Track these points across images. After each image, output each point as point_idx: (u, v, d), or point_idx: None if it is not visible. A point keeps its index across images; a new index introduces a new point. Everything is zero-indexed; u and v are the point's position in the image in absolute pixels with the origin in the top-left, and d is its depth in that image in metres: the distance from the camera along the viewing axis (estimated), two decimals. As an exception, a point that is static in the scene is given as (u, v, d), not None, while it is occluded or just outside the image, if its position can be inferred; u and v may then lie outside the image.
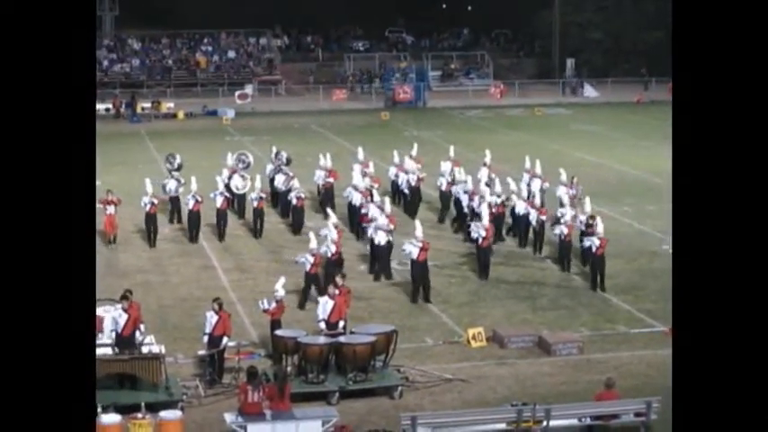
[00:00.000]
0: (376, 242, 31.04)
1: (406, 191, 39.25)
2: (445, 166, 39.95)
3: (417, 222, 30.88)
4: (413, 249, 29.00)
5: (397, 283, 30.42)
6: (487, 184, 36.43)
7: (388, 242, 30.94)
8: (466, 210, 35.38)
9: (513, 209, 35.56)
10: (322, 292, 28.00)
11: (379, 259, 31.15)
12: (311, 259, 28.30)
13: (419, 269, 29.04)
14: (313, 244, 28.74)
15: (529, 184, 37.62)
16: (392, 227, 31.23)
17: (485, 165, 40.00)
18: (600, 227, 29.91)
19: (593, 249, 29.78)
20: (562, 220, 31.70)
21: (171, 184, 37.39)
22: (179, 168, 39.06)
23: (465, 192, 35.81)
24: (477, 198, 34.54)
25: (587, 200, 33.20)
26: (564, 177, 36.66)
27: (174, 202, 37.72)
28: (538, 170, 38.38)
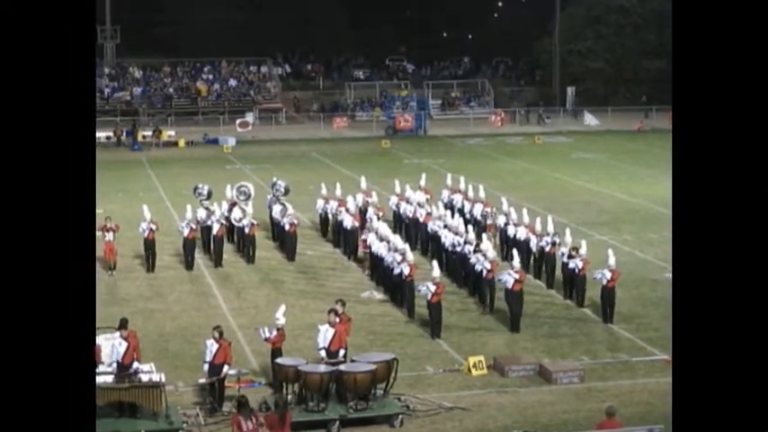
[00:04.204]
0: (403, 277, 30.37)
1: (407, 221, 39.09)
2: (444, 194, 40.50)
3: (435, 263, 29.86)
4: (509, 279, 28.80)
5: (397, 312, 30.30)
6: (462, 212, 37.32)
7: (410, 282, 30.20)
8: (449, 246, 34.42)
9: (505, 233, 35.76)
10: (438, 326, 28.26)
11: (403, 296, 30.61)
12: (433, 288, 28.06)
13: (515, 299, 28.85)
14: (435, 272, 28.53)
15: (471, 211, 38.27)
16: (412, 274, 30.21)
17: (459, 191, 40.26)
18: (612, 259, 29.64)
19: (605, 282, 29.51)
20: (574, 255, 31.12)
21: (201, 214, 37.27)
22: (209, 197, 38.85)
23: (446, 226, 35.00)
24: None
25: (567, 231, 32.92)
26: (506, 206, 36.63)
27: (205, 230, 37.47)
28: (482, 195, 38.93)
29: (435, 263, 29.66)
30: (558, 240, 32.76)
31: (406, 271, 29.81)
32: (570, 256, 31.12)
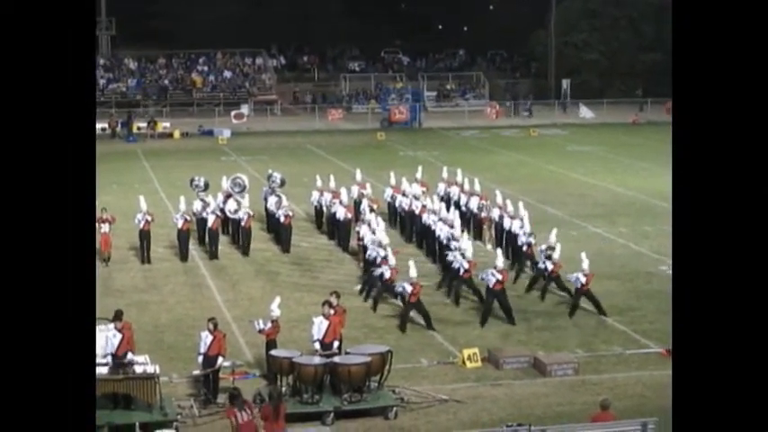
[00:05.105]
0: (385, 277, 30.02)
1: (403, 214, 38.94)
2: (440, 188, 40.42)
3: (411, 263, 29.18)
4: (491, 279, 28.48)
5: (392, 303, 30.28)
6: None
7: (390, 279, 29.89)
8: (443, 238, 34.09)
9: (501, 226, 35.53)
10: (428, 320, 28.19)
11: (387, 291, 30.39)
12: (409, 289, 27.90)
13: (494, 297, 28.59)
14: (412, 272, 28.29)
15: (467, 204, 38.11)
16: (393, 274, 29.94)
17: (456, 184, 40.14)
18: (585, 263, 29.32)
19: (580, 285, 29.26)
20: (552, 256, 30.62)
21: (196, 205, 37.27)
22: (206, 188, 38.78)
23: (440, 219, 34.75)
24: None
25: (554, 231, 32.59)
26: (499, 199, 36.49)
27: (200, 222, 37.46)
28: (477, 188, 38.75)
29: (412, 262, 29.04)
30: (533, 241, 32.53)
31: (387, 274, 29.43)
32: (548, 257, 30.82)
